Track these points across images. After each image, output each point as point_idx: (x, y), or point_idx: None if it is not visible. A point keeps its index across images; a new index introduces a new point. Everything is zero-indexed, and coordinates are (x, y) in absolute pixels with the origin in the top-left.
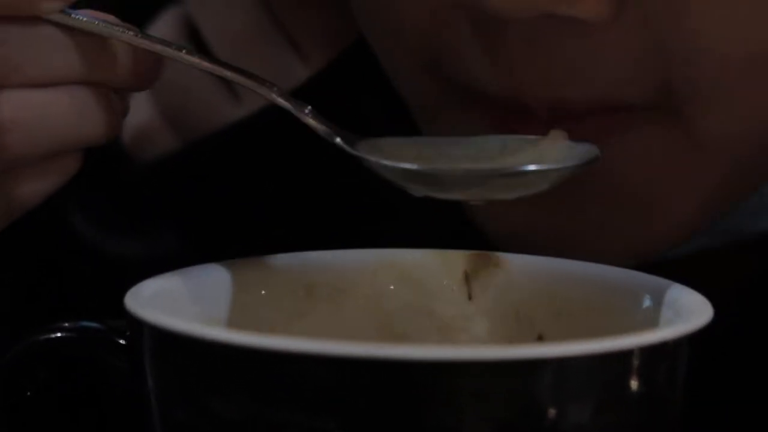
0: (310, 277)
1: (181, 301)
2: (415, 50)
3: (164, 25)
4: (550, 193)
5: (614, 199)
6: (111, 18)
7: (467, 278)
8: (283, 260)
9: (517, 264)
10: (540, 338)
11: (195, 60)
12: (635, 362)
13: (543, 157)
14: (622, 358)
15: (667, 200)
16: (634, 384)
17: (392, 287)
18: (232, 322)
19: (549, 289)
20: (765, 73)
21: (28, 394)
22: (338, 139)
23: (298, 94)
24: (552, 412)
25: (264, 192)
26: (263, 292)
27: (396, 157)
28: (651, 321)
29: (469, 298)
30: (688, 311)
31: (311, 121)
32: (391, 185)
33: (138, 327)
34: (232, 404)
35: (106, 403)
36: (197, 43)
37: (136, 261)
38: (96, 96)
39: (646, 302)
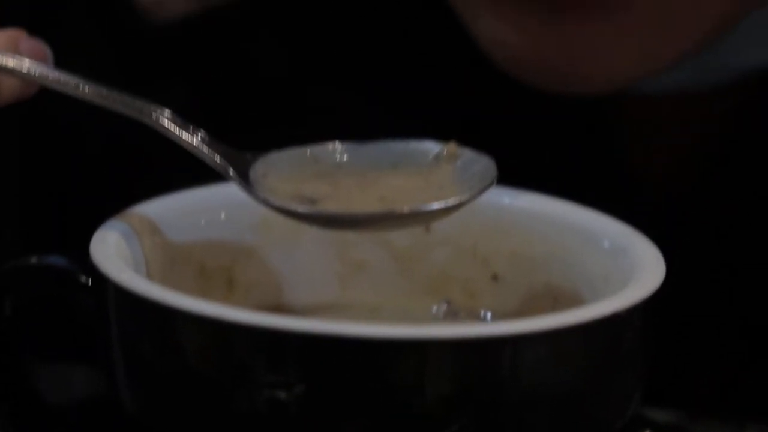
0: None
1: (146, 237)
2: None
3: None
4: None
5: (622, 19)
6: None
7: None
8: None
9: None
10: (494, 278)
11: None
12: (589, 334)
13: (438, 188)
14: (577, 331)
15: (672, 26)
16: (592, 354)
17: None
18: (195, 250)
19: (508, 226)
20: None
21: None
22: (231, 171)
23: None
24: (511, 386)
25: (275, 63)
26: (223, 215)
27: (289, 181)
28: (604, 268)
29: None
30: (641, 266)
31: (205, 148)
32: None
33: (102, 280)
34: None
35: (73, 335)
36: None
37: None
38: None
39: (604, 245)
